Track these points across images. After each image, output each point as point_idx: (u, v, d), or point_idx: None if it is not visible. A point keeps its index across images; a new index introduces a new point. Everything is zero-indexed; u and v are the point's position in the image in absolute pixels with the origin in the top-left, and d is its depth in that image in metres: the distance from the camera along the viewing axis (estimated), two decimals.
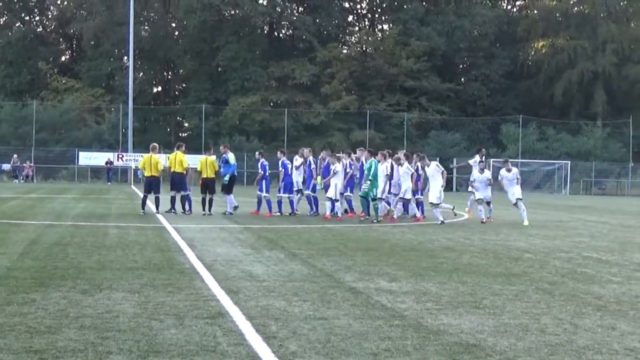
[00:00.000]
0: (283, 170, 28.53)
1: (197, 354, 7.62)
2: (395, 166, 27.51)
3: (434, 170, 26.79)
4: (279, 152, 29.56)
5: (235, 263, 14.29)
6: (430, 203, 26.50)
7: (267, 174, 28.81)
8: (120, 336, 8.25)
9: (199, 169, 28.52)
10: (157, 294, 10.80)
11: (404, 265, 14.50)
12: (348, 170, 27.55)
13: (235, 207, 28.57)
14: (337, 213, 27.16)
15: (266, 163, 28.76)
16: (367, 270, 13.69)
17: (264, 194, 28.54)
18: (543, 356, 7.93)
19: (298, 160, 28.56)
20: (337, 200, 27.20)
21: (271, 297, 10.77)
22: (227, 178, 28.51)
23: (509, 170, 28.91)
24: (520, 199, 27.92)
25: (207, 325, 8.84)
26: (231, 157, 29.00)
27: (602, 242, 20.76)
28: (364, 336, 8.52)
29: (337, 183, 27.05)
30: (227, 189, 28.58)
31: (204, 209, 27.71)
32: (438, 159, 69.95)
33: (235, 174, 30.16)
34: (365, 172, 26.29)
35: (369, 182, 25.75)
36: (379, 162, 26.37)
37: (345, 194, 27.88)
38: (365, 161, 27.17)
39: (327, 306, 10.18)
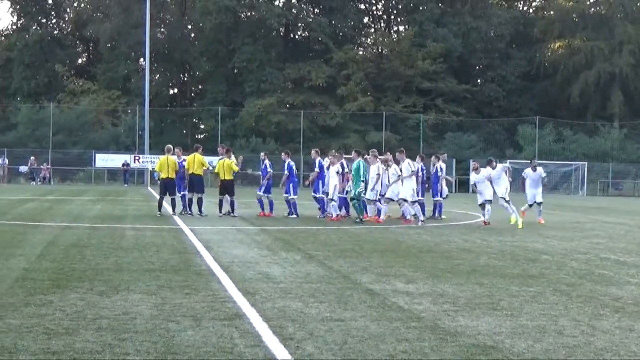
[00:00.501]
0: (289, 173, 28.52)
1: (214, 356, 7.63)
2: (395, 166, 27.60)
3: (500, 171, 27.22)
4: (283, 154, 29.43)
5: (252, 265, 14.29)
6: (502, 199, 27.63)
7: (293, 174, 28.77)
8: (137, 338, 8.26)
9: (216, 171, 28.57)
10: (174, 295, 10.82)
11: (420, 267, 14.48)
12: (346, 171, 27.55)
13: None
14: (331, 214, 27.09)
15: (292, 163, 28.62)
16: (384, 272, 13.67)
17: (291, 196, 28.44)
18: (561, 358, 7.90)
19: (331, 163, 28.03)
20: (333, 200, 27.13)
21: (288, 298, 10.77)
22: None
23: (534, 170, 28.59)
24: (540, 204, 27.75)
25: (224, 327, 8.85)
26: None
27: (620, 244, 20.67)
28: (381, 338, 8.51)
29: (336, 184, 26.87)
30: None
31: (220, 211, 27.77)
32: (454, 160, 70.23)
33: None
34: (353, 172, 26.26)
35: (362, 184, 25.80)
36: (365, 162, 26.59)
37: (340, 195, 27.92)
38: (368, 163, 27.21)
39: (344, 308, 10.18)
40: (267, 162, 29.07)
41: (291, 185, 28.48)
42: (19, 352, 7.62)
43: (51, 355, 7.53)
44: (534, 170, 28.60)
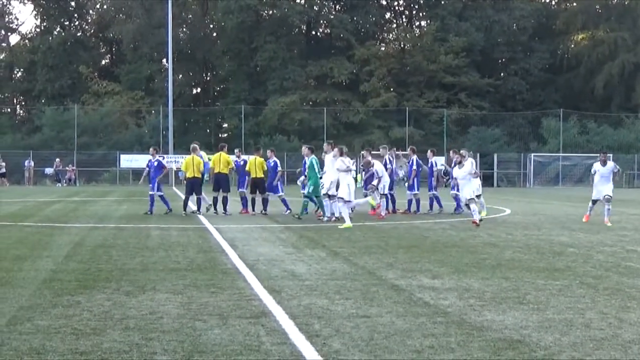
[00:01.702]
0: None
1: (240, 354, 7.65)
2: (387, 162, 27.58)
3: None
4: (268, 152, 29.28)
5: (277, 262, 14.32)
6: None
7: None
8: (164, 337, 8.30)
9: (247, 168, 28.60)
10: (200, 294, 10.85)
11: (446, 262, 14.46)
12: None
13: (209, 206, 28.63)
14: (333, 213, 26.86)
15: (317, 159, 28.23)
16: (409, 268, 13.67)
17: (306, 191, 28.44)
18: (588, 351, 7.87)
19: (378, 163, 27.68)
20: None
21: (314, 295, 10.78)
22: (206, 178, 28.81)
23: (604, 164, 25.41)
24: (610, 197, 24.76)
25: (250, 325, 8.87)
26: (205, 157, 29.19)
27: None
28: (407, 333, 8.51)
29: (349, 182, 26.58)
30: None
31: (253, 209, 27.86)
32: (478, 154, 70.06)
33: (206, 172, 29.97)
34: (308, 170, 26.21)
35: (320, 179, 25.67)
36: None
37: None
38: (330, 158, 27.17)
39: (370, 304, 10.18)
40: (314, 157, 29.12)
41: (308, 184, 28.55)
42: (47, 352, 7.67)
43: (79, 356, 7.58)
44: (603, 164, 25.36)
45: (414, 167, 29.19)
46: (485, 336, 8.43)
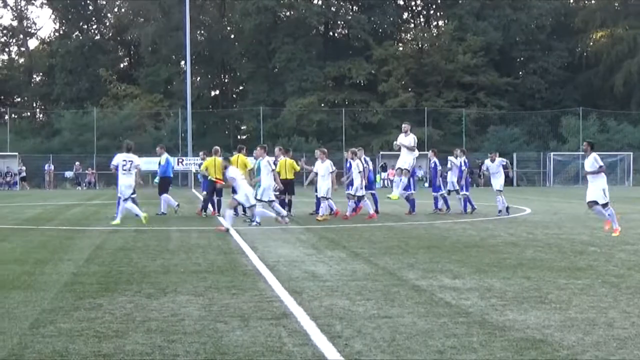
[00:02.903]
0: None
1: (263, 355, 7.65)
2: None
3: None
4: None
5: (298, 264, 14.32)
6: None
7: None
8: (186, 339, 8.31)
9: (277, 170, 28.60)
10: (222, 296, 10.87)
11: (466, 262, 14.43)
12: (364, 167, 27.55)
13: (177, 205, 28.65)
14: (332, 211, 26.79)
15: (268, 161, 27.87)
16: (429, 268, 13.65)
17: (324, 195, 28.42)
18: (611, 350, 7.83)
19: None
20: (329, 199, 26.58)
21: (335, 296, 10.78)
22: (157, 180, 28.86)
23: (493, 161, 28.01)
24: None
25: (272, 326, 8.87)
26: (163, 158, 29.20)
27: None
28: (429, 334, 8.50)
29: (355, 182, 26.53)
30: (163, 190, 28.80)
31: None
32: (498, 153, 69.80)
33: (169, 174, 29.86)
34: (255, 172, 26.20)
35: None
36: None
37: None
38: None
39: (391, 304, 10.17)
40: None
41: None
42: (70, 355, 7.70)
43: (102, 358, 7.60)
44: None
45: (438, 167, 29.36)
46: (507, 336, 8.40)
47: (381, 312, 9.65)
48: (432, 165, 30.01)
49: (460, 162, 29.56)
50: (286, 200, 27.72)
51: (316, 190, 27.59)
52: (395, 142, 27.36)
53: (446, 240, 18.96)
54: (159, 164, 29.58)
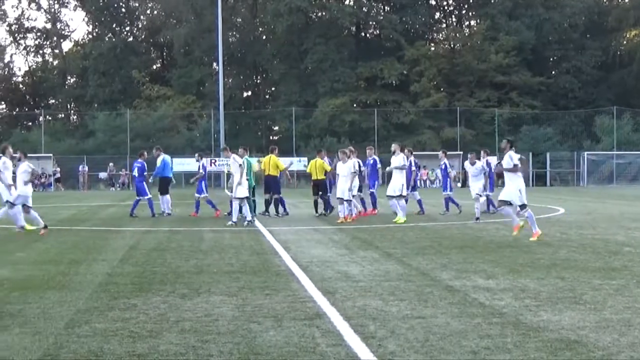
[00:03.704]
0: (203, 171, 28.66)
1: (296, 355, 7.66)
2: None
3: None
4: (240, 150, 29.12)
5: (331, 264, 14.32)
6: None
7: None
8: (220, 339, 8.34)
9: (308, 170, 28.64)
10: (255, 296, 10.89)
11: (500, 262, 14.38)
12: (362, 168, 27.46)
13: (164, 212, 28.82)
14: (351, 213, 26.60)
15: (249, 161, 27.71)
16: (463, 268, 13.60)
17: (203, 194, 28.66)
18: None
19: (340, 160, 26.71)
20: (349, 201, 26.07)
21: (368, 297, 10.77)
22: (151, 180, 28.92)
23: (472, 163, 27.60)
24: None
25: (305, 327, 8.88)
26: (159, 159, 29.20)
27: None
28: (462, 334, 8.47)
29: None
30: (162, 190, 28.77)
31: (316, 211, 27.86)
32: (530, 153, 69.54)
33: (168, 175, 29.84)
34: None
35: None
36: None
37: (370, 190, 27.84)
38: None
39: (424, 305, 10.14)
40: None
41: (202, 183, 28.84)
42: (105, 355, 7.75)
43: (136, 358, 7.64)
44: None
45: (449, 169, 29.23)
46: (541, 337, 8.36)
47: (414, 313, 9.64)
48: (443, 166, 29.81)
49: (487, 162, 29.53)
50: (317, 200, 27.82)
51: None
52: (387, 168, 26.84)
53: (479, 240, 18.90)
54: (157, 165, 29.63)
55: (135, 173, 29.36)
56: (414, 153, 28.98)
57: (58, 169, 68.55)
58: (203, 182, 29.11)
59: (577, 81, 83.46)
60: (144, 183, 29.04)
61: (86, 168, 69.11)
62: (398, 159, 25.59)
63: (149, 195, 28.71)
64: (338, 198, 25.58)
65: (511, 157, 19.27)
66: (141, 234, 21.34)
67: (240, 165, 24.76)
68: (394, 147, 26.48)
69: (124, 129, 74.30)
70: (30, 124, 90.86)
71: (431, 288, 11.48)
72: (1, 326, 9.06)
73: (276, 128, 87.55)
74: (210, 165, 67.36)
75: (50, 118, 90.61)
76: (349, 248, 17.17)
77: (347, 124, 79.14)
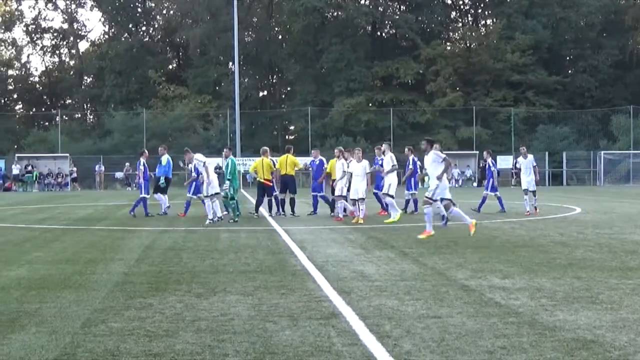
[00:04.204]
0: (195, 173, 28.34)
1: (312, 355, 7.67)
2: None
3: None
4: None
5: (346, 263, 14.32)
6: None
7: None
8: (235, 338, 8.35)
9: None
10: (271, 296, 10.90)
11: (516, 262, 14.35)
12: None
13: (168, 207, 28.78)
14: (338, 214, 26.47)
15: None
16: (478, 268, 13.58)
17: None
18: None
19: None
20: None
21: (383, 296, 10.77)
22: (162, 180, 28.80)
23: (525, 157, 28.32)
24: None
25: (321, 326, 8.89)
26: (164, 159, 29.16)
27: None
28: (478, 334, 8.46)
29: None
30: (161, 190, 28.81)
31: (332, 211, 27.88)
32: (547, 153, 69.34)
33: (170, 175, 29.86)
34: (224, 170, 26.18)
35: (228, 182, 25.54)
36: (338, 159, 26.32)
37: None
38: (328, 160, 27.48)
39: (440, 304, 10.14)
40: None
41: (194, 185, 28.45)
42: (121, 354, 7.77)
43: (152, 357, 7.66)
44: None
45: (410, 166, 29.00)
46: (558, 336, 8.35)
47: (430, 312, 9.63)
48: (487, 165, 29.85)
49: (488, 163, 29.52)
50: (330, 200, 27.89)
51: (333, 192, 27.37)
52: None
53: (495, 240, 18.87)
54: (160, 164, 29.57)
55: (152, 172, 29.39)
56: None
57: (75, 169, 68.77)
58: (195, 183, 29.01)
59: (593, 80, 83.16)
60: (148, 182, 29.01)
61: (102, 168, 69.28)
62: (387, 160, 25.47)
63: (148, 196, 28.54)
64: (351, 199, 25.51)
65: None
66: (157, 233, 21.39)
67: (204, 164, 25.04)
68: (384, 147, 26.30)
69: (141, 129, 74.44)
70: (47, 124, 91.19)
71: (447, 287, 11.48)
72: (18, 325, 9.10)
73: (292, 128, 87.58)
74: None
75: (66, 118, 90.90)
76: (364, 247, 17.17)
77: (363, 124, 79.13)
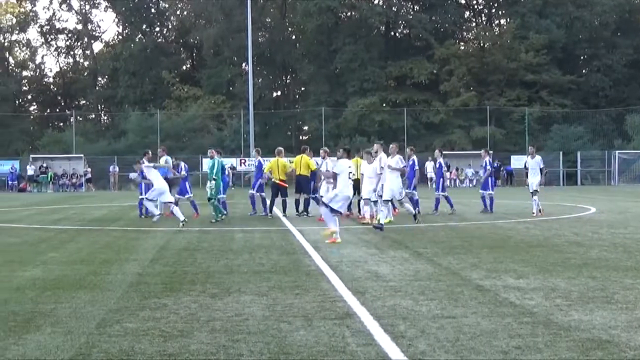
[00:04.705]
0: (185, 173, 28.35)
1: (326, 355, 7.67)
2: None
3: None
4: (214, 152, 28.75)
5: (361, 264, 14.32)
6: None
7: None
8: (250, 339, 8.36)
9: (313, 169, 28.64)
10: (285, 296, 10.91)
11: (530, 262, 14.32)
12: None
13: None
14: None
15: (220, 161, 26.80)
16: (493, 268, 13.56)
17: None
18: None
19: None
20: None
21: (398, 296, 10.76)
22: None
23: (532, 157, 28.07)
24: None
25: (335, 326, 8.89)
26: (162, 160, 29.12)
27: None
28: (493, 334, 8.45)
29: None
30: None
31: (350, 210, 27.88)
32: (561, 152, 69.16)
33: (170, 176, 29.80)
34: (208, 172, 26.18)
35: (213, 182, 25.55)
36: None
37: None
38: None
39: (455, 304, 10.13)
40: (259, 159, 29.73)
41: (186, 184, 28.77)
42: (136, 354, 7.79)
43: (167, 357, 7.68)
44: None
45: (443, 167, 29.10)
46: (572, 336, 8.33)
47: (445, 312, 9.62)
48: (438, 165, 29.62)
49: (485, 162, 29.45)
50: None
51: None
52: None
53: (510, 240, 18.83)
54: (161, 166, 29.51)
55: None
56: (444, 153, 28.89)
57: (89, 170, 68.94)
58: (187, 183, 29.02)
59: (608, 79, 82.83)
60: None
61: (117, 168, 69.39)
62: (376, 163, 24.75)
63: (144, 197, 28.33)
64: (364, 199, 25.38)
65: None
66: (171, 234, 21.43)
67: (154, 167, 25.62)
68: (375, 147, 26.04)
69: (155, 130, 74.55)
70: (61, 124, 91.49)
71: (461, 288, 11.47)
72: (33, 326, 9.13)
73: (306, 128, 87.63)
74: (240, 165, 67.70)
75: (80, 119, 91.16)
76: (379, 248, 17.17)
77: (377, 124, 79.11)
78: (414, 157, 28.19)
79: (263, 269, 13.74)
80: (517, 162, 65.58)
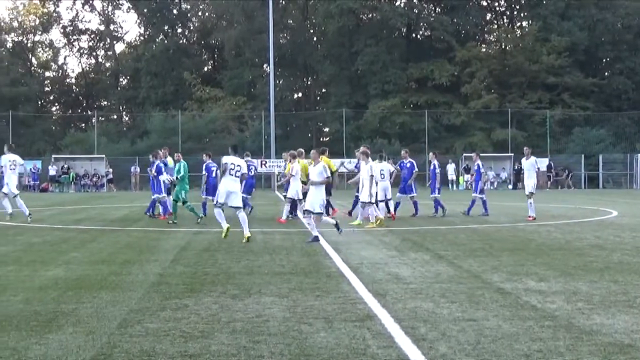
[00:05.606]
0: (207, 173, 27.99)
1: (347, 357, 7.67)
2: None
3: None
4: (204, 155, 28.68)
5: (381, 266, 14.32)
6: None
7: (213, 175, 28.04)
8: (271, 340, 8.37)
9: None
10: (306, 297, 10.92)
11: (552, 265, 14.28)
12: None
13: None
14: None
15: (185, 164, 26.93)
16: (514, 271, 13.53)
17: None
18: None
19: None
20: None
21: (418, 299, 10.75)
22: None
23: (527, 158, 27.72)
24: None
25: (356, 328, 8.89)
26: (170, 162, 29.05)
27: None
28: (514, 337, 8.43)
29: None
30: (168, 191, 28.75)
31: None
32: (582, 155, 68.81)
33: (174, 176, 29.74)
34: (175, 173, 26.22)
35: (176, 185, 25.66)
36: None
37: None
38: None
39: (476, 307, 10.11)
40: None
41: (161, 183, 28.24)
42: (157, 355, 7.82)
43: (188, 358, 7.70)
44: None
45: (437, 170, 29.09)
46: (594, 340, 8.30)
47: (466, 315, 9.61)
48: (432, 167, 29.43)
49: (478, 165, 29.33)
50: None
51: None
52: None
53: (531, 242, 18.78)
54: (166, 165, 29.37)
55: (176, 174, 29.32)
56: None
57: (110, 170, 69.19)
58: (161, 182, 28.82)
59: (630, 82, 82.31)
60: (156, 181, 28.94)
61: (138, 169, 69.57)
62: (366, 168, 24.60)
63: (161, 196, 28.29)
64: (361, 202, 25.17)
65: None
66: (192, 234, 21.49)
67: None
68: (358, 153, 25.85)
69: (177, 131, 74.74)
70: (83, 125, 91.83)
71: (482, 290, 11.44)
72: (55, 325, 9.18)
73: (326, 129, 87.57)
74: (261, 166, 67.71)
75: (102, 119, 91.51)
76: (399, 250, 17.16)
77: (398, 126, 79.07)
78: (435, 162, 28.15)
79: (284, 271, 13.76)
80: (539, 164, 65.39)
